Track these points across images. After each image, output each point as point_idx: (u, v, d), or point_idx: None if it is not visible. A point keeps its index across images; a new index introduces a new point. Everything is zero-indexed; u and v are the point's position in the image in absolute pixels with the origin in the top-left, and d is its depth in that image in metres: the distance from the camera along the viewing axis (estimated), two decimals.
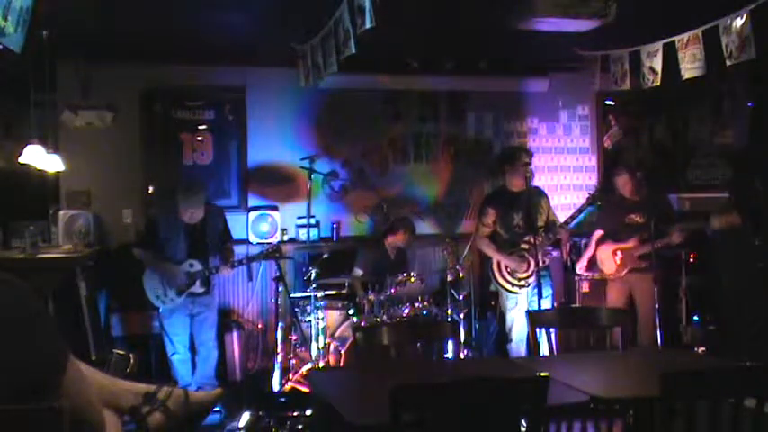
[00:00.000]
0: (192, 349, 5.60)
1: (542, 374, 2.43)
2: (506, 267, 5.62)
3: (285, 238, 6.70)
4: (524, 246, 5.54)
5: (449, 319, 5.62)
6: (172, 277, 5.40)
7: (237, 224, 6.39)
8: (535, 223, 5.54)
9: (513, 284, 5.60)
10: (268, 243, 6.17)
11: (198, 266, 5.45)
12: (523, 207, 5.53)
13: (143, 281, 5.45)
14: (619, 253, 5.79)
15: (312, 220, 6.54)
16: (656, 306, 5.68)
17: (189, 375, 5.55)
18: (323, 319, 5.71)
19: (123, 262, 5.78)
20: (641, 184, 5.90)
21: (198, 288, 5.47)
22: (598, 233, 6.01)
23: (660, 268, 5.61)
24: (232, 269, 5.65)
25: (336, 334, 5.67)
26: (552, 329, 3.87)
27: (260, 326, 6.65)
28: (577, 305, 6.53)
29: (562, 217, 5.84)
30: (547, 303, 5.54)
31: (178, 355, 5.51)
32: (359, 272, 6.12)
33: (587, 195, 5.66)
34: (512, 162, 5.62)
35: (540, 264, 5.39)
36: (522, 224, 5.57)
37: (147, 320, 5.96)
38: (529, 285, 5.52)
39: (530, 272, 5.49)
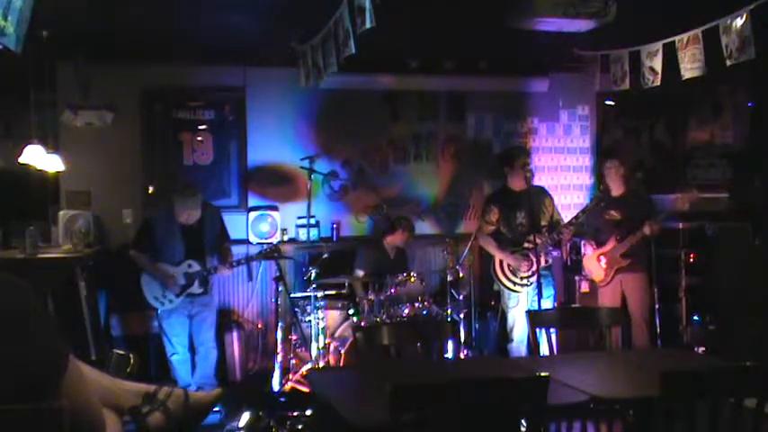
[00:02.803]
0: (192, 350, 5.59)
1: (542, 374, 2.43)
2: (509, 266, 5.62)
3: (285, 238, 6.70)
4: (527, 245, 5.53)
5: (449, 319, 5.61)
6: (167, 280, 5.39)
7: (237, 224, 6.40)
8: (538, 222, 5.53)
9: (515, 283, 5.60)
10: (268, 243, 6.17)
11: (196, 267, 5.45)
12: (526, 206, 5.52)
13: (141, 283, 5.45)
14: (602, 258, 5.80)
15: (312, 220, 6.54)
16: (656, 306, 5.69)
17: (188, 376, 5.54)
18: (323, 319, 5.71)
19: (123, 262, 5.77)
20: (630, 178, 5.91)
21: (196, 288, 5.47)
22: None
23: (650, 266, 5.64)
24: (231, 269, 5.65)
25: (336, 334, 5.67)
26: (552, 329, 3.88)
27: (260, 326, 6.65)
28: (577, 305, 6.54)
29: (566, 218, 5.84)
30: (547, 303, 5.54)
31: (177, 356, 5.51)
32: (360, 273, 6.12)
33: (592, 196, 5.66)
34: (510, 163, 5.63)
35: (543, 263, 5.39)
36: (525, 223, 5.57)
37: (147, 320, 5.95)
38: (531, 284, 5.51)
39: (532, 271, 5.49)
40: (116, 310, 6.08)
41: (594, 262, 5.86)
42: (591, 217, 5.88)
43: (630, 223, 5.65)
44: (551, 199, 5.81)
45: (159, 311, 5.50)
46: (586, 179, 7.50)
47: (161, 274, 5.40)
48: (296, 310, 5.75)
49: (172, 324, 5.47)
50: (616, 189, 5.78)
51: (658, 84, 5.01)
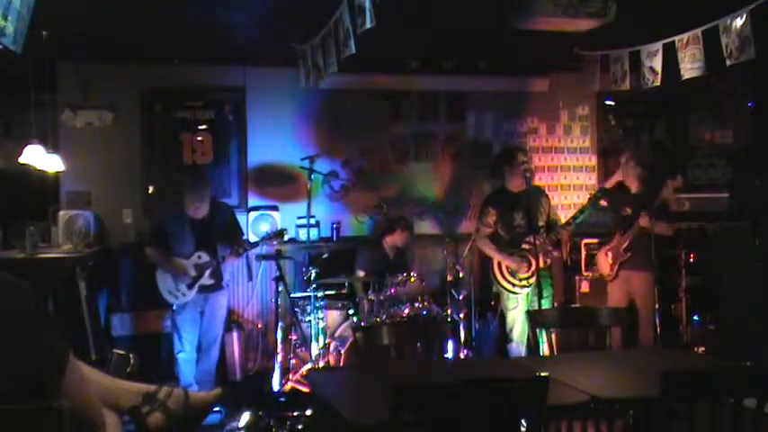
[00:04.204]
0: (200, 348, 5.61)
1: (542, 374, 2.43)
2: (507, 268, 5.61)
3: (285, 238, 6.69)
4: (525, 246, 5.53)
5: (449, 319, 5.61)
6: (179, 272, 5.43)
7: None
8: (536, 223, 5.53)
9: (513, 285, 5.59)
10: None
11: (206, 258, 5.49)
12: (524, 207, 5.52)
13: (156, 279, 5.49)
14: (609, 253, 5.83)
15: (312, 220, 6.53)
16: (657, 306, 5.69)
17: (191, 376, 5.55)
18: (323, 319, 5.71)
19: (123, 262, 5.78)
20: (644, 176, 5.92)
21: (207, 279, 5.49)
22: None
23: (653, 267, 5.65)
24: (238, 257, 5.68)
25: (336, 334, 5.67)
26: (552, 329, 3.87)
27: (260, 326, 6.65)
28: (577, 305, 6.54)
29: (564, 217, 5.84)
30: (547, 303, 5.54)
31: (184, 354, 5.52)
32: (360, 273, 6.12)
33: (589, 195, 5.67)
34: (509, 163, 5.62)
35: (541, 264, 5.39)
36: (523, 224, 5.56)
37: (148, 320, 5.96)
38: (530, 286, 5.51)
39: (530, 272, 5.48)
40: (116, 310, 6.09)
41: (603, 257, 5.89)
42: (598, 214, 5.90)
43: (635, 218, 5.67)
44: (548, 199, 5.80)
45: (174, 307, 5.53)
46: (587, 179, 7.49)
47: (174, 267, 5.44)
48: (296, 310, 5.75)
49: (184, 320, 5.50)
50: (634, 187, 5.79)
51: (658, 84, 5.02)
